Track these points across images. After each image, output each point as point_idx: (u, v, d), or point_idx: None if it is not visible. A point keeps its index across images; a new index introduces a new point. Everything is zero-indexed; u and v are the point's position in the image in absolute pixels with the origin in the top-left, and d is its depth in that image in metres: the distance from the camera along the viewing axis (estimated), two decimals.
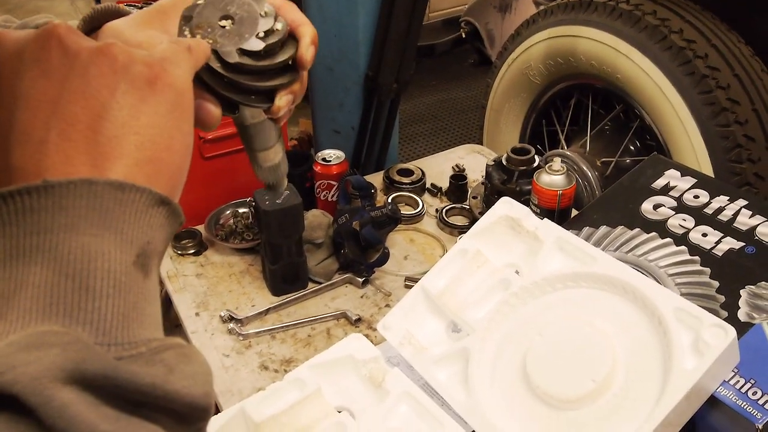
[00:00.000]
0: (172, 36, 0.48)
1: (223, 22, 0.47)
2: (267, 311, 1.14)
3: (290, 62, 0.50)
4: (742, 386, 0.78)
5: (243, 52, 0.46)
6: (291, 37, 0.50)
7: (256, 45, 0.46)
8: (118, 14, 0.51)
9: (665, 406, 0.73)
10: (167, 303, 1.27)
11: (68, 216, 0.33)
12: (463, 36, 2.95)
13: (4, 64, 0.36)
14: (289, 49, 0.49)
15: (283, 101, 0.49)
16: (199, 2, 0.48)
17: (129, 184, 0.35)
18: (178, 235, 1.33)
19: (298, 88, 0.51)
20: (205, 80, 0.46)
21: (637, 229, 1.00)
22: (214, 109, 0.46)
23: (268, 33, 0.47)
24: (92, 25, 0.51)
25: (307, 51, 0.50)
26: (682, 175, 1.05)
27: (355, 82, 1.55)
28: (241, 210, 1.37)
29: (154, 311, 0.35)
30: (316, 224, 1.24)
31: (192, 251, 1.29)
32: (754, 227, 0.94)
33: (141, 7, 0.54)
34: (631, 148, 1.74)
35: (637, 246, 0.99)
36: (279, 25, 0.48)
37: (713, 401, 0.79)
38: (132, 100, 0.36)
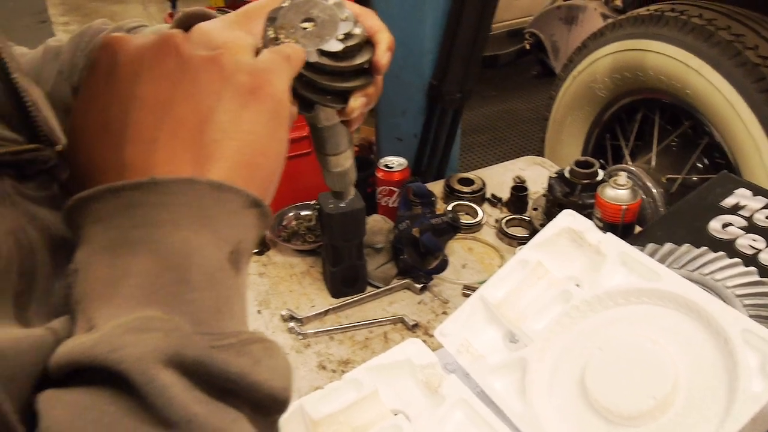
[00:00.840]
0: (256, 37, 0.50)
1: (305, 24, 0.49)
2: (326, 312, 1.17)
3: (366, 66, 0.51)
4: None
5: (322, 53, 0.48)
6: (368, 43, 0.52)
7: (336, 46, 0.49)
8: (207, 17, 0.53)
9: (730, 428, 0.72)
10: None
11: (171, 212, 0.35)
12: (527, 47, 2.93)
13: (124, 66, 0.39)
14: (366, 54, 0.51)
15: (357, 102, 0.51)
16: (284, 5, 0.50)
17: (227, 185, 0.37)
18: None
19: (372, 92, 0.53)
20: None
21: (704, 248, 0.98)
22: (290, 107, 0.49)
23: (348, 36, 0.49)
24: (182, 26, 0.53)
25: (383, 56, 0.52)
26: (753, 195, 1.03)
27: (419, 90, 1.56)
28: (303, 212, 1.40)
29: (242, 306, 0.38)
30: (377, 229, 1.26)
31: (255, 250, 1.33)
32: None
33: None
34: (699, 165, 1.70)
35: (703, 265, 0.97)
36: (358, 30, 0.50)
37: None
38: (235, 106, 0.39)
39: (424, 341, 1.09)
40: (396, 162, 1.37)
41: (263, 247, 1.34)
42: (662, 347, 0.84)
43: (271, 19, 0.49)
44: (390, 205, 1.37)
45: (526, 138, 3.30)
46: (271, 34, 0.48)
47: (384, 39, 0.52)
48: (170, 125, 0.37)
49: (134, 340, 0.31)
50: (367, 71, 0.52)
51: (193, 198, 0.36)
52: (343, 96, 0.51)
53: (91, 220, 0.35)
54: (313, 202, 1.36)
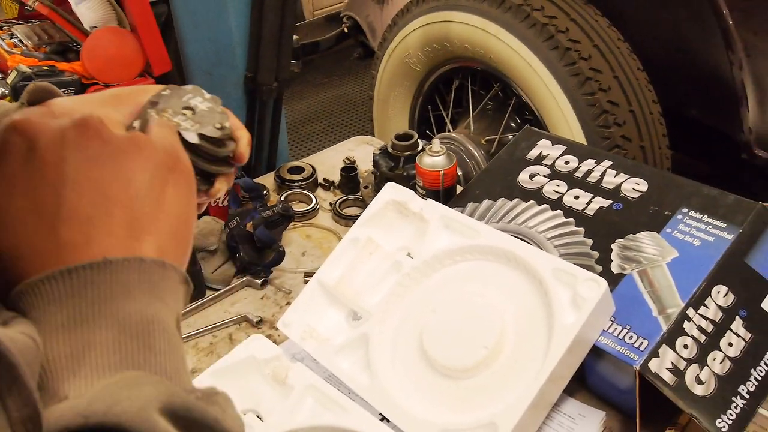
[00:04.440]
0: (125, 117, 0.53)
1: (186, 112, 0.54)
2: None
3: (231, 156, 0.58)
4: (620, 333, 0.84)
5: (202, 137, 0.54)
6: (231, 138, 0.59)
7: (214, 132, 0.54)
8: (53, 94, 0.54)
9: (551, 361, 0.78)
10: None
11: (124, 287, 0.38)
12: (346, 31, 2.96)
13: (47, 149, 0.40)
14: (232, 145, 0.57)
15: (221, 185, 0.57)
16: (164, 93, 0.55)
17: (168, 263, 0.41)
18: None
19: (231, 179, 0.59)
20: None
21: (517, 199, 1.05)
22: None
23: (223, 126, 0.55)
24: (34, 100, 0.53)
25: (246, 149, 0.58)
26: (552, 144, 1.11)
27: (235, 84, 1.53)
28: None
29: (187, 366, 0.43)
30: (208, 231, 1.23)
31: None
32: (619, 185, 1.00)
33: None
34: (512, 124, 1.81)
35: (517, 215, 1.03)
36: (228, 123, 0.56)
37: (597, 351, 0.85)
38: (159, 182, 0.43)
39: (271, 336, 1.08)
40: None
41: None
42: (488, 299, 0.89)
43: (153, 103, 0.53)
44: (221, 205, 1.33)
45: (360, 120, 3.35)
46: (154, 115, 0.52)
47: (244, 136, 0.58)
48: (103, 203, 0.40)
49: (129, 394, 0.33)
50: (230, 161, 0.58)
51: (143, 274, 0.39)
52: (210, 178, 0.56)
53: (44, 302, 0.37)
54: None
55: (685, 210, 0.93)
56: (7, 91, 1.38)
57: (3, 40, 1.61)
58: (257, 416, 0.88)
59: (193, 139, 0.53)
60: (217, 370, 0.92)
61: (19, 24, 1.76)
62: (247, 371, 0.93)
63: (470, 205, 1.08)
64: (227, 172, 0.58)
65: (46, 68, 1.42)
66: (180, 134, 0.52)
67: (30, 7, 1.64)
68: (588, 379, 0.91)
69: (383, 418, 0.85)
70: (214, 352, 1.07)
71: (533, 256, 0.88)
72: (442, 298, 0.93)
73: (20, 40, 1.63)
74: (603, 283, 0.81)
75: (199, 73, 1.52)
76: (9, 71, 1.41)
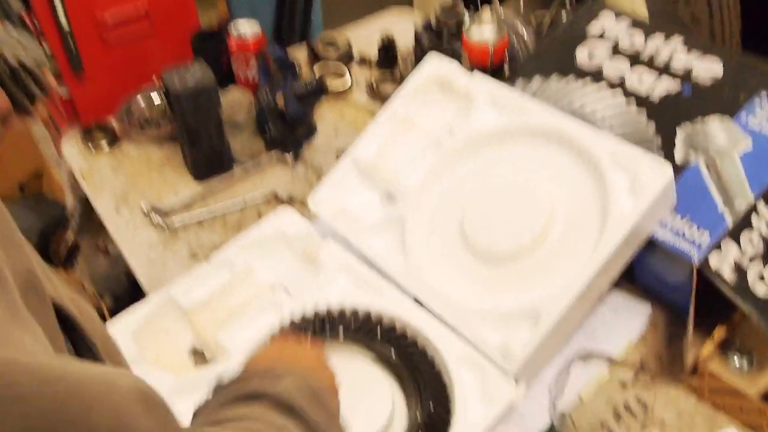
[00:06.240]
0: None
1: None
2: (192, 199, 1.07)
3: None
4: (679, 225, 0.77)
5: None
6: None
7: None
8: None
9: (603, 250, 0.72)
10: (86, 204, 1.19)
11: None
12: None
13: None
14: None
15: None
16: None
17: None
18: (87, 129, 1.22)
19: None
20: None
21: (572, 76, 0.95)
22: None
23: None
24: None
25: None
26: (616, 17, 1.00)
27: None
28: (154, 95, 1.25)
29: None
30: (237, 104, 1.16)
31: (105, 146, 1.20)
32: (690, 66, 0.90)
33: None
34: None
35: (572, 96, 0.94)
36: None
37: (650, 242, 0.78)
38: None
39: (302, 214, 1.03)
40: (248, 26, 1.24)
41: (113, 140, 1.21)
42: (537, 181, 0.82)
43: None
44: (249, 76, 1.25)
45: None
46: None
47: None
48: None
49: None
50: None
51: None
52: None
53: None
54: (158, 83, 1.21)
55: (764, 93, 0.83)
56: None
57: None
58: (286, 291, 0.85)
59: None
60: (245, 243, 0.88)
61: None
62: (277, 246, 0.89)
63: (520, 82, 0.99)
64: None
65: None
66: None
67: None
68: (636, 272, 0.85)
69: (417, 303, 0.81)
70: (243, 228, 1.02)
71: (589, 137, 0.79)
72: (486, 179, 0.86)
73: None
74: (668, 170, 0.73)
75: None
76: None
